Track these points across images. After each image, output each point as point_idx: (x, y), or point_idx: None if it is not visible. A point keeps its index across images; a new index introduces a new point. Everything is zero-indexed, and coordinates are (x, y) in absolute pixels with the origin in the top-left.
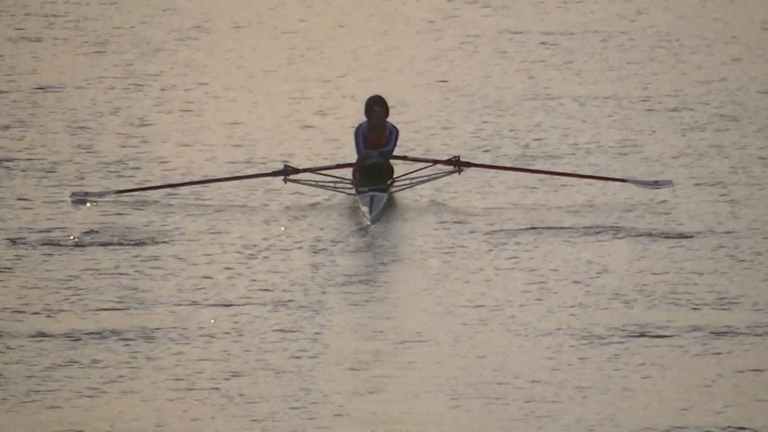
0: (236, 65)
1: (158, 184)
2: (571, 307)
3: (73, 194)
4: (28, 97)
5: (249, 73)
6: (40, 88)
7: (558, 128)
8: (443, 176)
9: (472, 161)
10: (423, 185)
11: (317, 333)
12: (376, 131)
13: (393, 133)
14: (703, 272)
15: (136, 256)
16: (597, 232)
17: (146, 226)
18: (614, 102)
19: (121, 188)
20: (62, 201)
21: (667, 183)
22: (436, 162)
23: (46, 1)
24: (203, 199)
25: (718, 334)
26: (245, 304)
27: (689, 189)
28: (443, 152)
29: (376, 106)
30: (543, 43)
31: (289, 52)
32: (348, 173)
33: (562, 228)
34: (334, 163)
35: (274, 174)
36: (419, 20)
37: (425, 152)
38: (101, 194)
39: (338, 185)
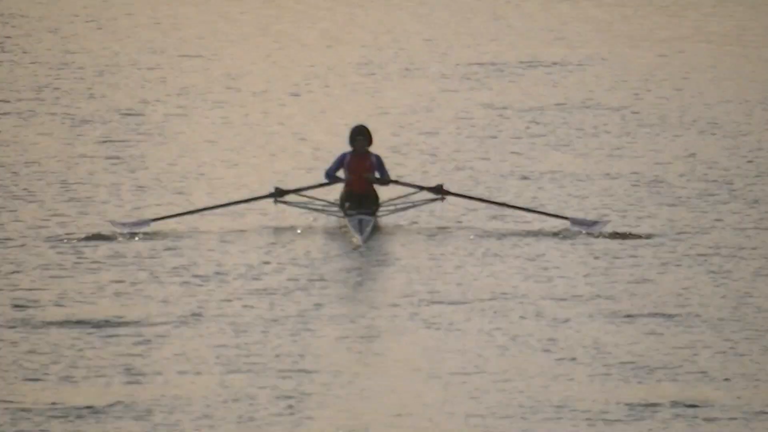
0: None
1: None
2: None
3: (113, 222)
4: None
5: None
6: None
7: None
8: (427, 203)
9: (453, 191)
10: (407, 210)
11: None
12: (360, 157)
13: (380, 162)
14: None
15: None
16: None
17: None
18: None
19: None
20: None
21: (604, 223)
22: (421, 188)
23: None
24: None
25: None
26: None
27: None
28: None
29: (360, 137)
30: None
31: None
32: (335, 196)
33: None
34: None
35: (266, 197)
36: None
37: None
38: (138, 224)
39: (327, 208)
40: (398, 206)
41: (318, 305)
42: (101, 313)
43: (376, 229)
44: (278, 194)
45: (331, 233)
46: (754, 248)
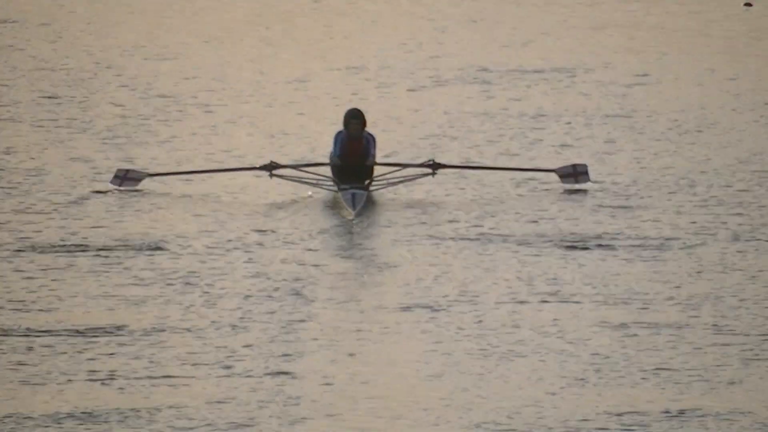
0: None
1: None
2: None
3: (117, 173)
4: None
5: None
6: None
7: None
8: (418, 177)
9: (444, 163)
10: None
11: (302, 320)
12: (355, 141)
13: (371, 142)
14: None
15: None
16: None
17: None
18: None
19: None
20: None
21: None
22: (412, 166)
23: None
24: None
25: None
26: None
27: None
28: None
29: (355, 120)
30: None
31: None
32: (329, 170)
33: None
34: (314, 162)
35: (260, 168)
36: None
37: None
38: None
39: (320, 182)
40: (390, 180)
41: (311, 280)
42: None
43: (369, 202)
44: (272, 167)
45: (325, 205)
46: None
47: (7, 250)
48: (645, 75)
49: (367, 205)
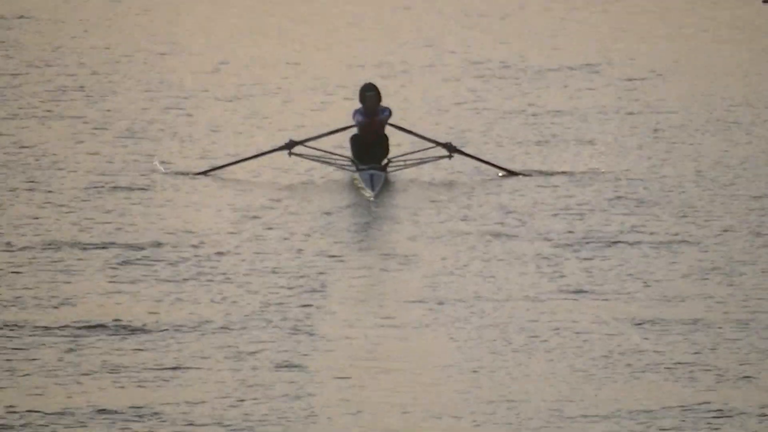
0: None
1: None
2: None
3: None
4: None
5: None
6: None
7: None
8: (435, 160)
9: (462, 150)
10: (417, 167)
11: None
12: (372, 118)
13: (387, 115)
14: None
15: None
16: None
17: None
18: None
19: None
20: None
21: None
22: (432, 141)
23: None
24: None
25: None
26: (252, 271)
27: None
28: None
29: (370, 92)
30: None
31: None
32: (347, 152)
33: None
34: (331, 130)
35: (280, 149)
36: None
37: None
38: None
39: (339, 162)
40: (408, 162)
41: (332, 258)
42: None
43: (387, 183)
44: (291, 145)
45: (344, 185)
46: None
47: (26, 245)
48: (661, 71)
49: (385, 186)
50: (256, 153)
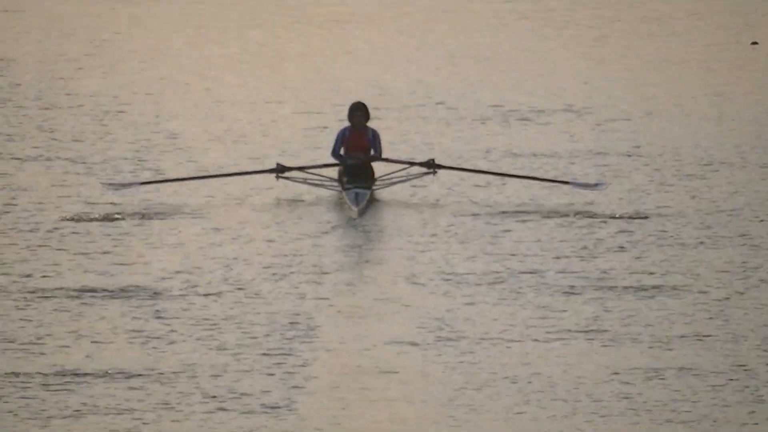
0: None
1: (169, 177)
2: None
3: (105, 184)
4: None
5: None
6: None
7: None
8: (420, 176)
9: (444, 164)
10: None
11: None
12: (358, 132)
13: (376, 137)
14: None
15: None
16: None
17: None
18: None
19: (143, 180)
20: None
21: (601, 185)
22: (413, 164)
23: None
24: (201, 192)
25: None
26: (238, 287)
27: None
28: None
29: (358, 112)
30: None
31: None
32: (333, 173)
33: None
34: (320, 163)
35: (267, 171)
36: None
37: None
38: (129, 185)
39: (325, 183)
40: (393, 180)
41: (318, 275)
42: (112, 283)
43: (372, 201)
44: (280, 170)
45: (329, 205)
46: None
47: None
48: (655, 112)
49: (370, 204)
50: (243, 171)
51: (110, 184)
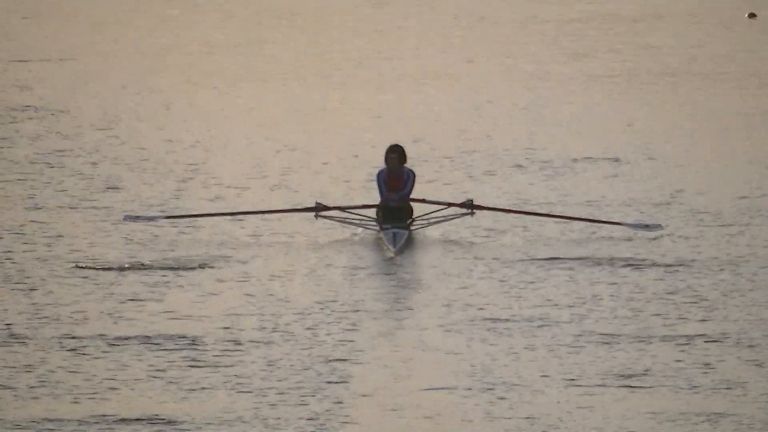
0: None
1: (203, 212)
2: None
3: (126, 216)
4: None
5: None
6: None
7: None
8: (458, 217)
9: (482, 204)
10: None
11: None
12: (395, 175)
13: (410, 177)
14: None
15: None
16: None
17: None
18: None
19: (169, 214)
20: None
21: (657, 227)
22: (451, 205)
23: None
24: (241, 233)
25: None
26: (288, 323)
27: None
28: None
29: (393, 153)
30: None
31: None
32: (371, 212)
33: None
34: (359, 204)
35: (307, 210)
36: None
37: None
38: (153, 218)
39: (363, 222)
40: (431, 221)
41: (356, 312)
42: (143, 327)
43: (410, 241)
44: (319, 209)
45: (368, 245)
46: None
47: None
48: (696, 159)
49: (408, 244)
50: (282, 209)
51: (130, 217)
